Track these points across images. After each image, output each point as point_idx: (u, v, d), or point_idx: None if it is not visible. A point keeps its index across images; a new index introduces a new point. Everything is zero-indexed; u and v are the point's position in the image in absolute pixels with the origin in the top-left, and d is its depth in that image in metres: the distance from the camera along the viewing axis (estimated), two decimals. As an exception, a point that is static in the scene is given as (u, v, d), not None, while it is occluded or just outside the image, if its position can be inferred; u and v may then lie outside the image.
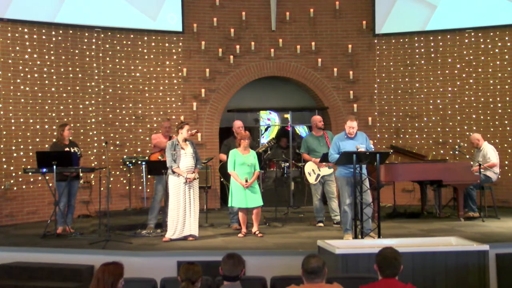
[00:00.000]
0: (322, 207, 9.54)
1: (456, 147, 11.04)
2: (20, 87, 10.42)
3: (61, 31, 10.93)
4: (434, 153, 11.73)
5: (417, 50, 12.27)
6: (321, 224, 9.40)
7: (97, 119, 11.35)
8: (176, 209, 8.14)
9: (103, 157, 10.98)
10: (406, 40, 12.32)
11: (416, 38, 12.28)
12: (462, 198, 9.65)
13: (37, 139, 10.52)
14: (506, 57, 11.63)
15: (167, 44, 11.94)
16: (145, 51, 11.79)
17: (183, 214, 8.14)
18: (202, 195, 10.52)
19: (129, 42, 11.67)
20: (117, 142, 11.52)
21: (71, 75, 11.04)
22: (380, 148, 11.36)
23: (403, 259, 4.42)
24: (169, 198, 8.29)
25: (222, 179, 10.43)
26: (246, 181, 8.46)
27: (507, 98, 11.61)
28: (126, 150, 11.59)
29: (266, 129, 14.56)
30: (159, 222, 9.03)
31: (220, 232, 8.99)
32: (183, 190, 8.16)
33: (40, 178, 9.98)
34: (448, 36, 12.08)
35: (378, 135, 12.29)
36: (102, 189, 9.05)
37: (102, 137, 11.19)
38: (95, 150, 11.28)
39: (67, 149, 9.03)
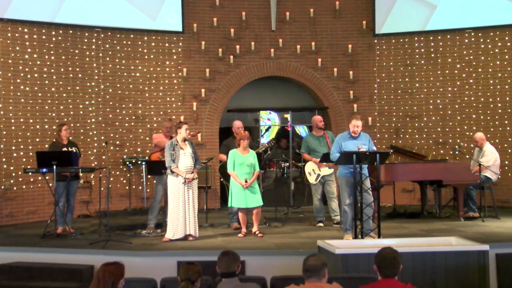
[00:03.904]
0: (322, 207, 9.54)
1: (456, 147, 11.04)
2: (20, 87, 10.42)
3: (61, 31, 10.93)
4: (434, 153, 11.73)
5: (417, 50, 12.27)
6: (321, 224, 9.40)
7: (97, 119, 11.35)
8: (176, 210, 8.13)
9: (103, 157, 10.98)
10: (406, 40, 12.32)
11: (416, 38, 12.28)
12: (462, 198, 9.65)
13: (37, 139, 10.52)
14: (506, 57, 11.63)
15: (167, 44, 11.94)
16: (145, 51, 11.79)
17: (183, 215, 8.13)
18: (202, 195, 10.52)
19: (129, 42, 11.67)
20: (117, 142, 11.52)
21: (71, 75, 11.04)
22: (380, 148, 11.35)
23: (403, 259, 4.43)
24: (168, 198, 8.28)
25: (222, 179, 10.43)
26: (246, 181, 8.46)
27: (507, 98, 11.61)
28: (126, 150, 11.59)
29: (266, 129, 14.56)
30: (159, 222, 9.03)
31: (220, 232, 8.99)
32: (182, 191, 8.15)
33: (40, 178, 9.99)
34: (448, 36, 12.08)
35: (378, 135, 12.29)
36: (102, 189, 9.04)
37: (102, 137, 11.19)
38: (95, 150, 11.28)
39: (65, 149, 9.03)
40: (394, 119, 12.39)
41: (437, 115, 12.14)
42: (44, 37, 10.72)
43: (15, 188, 10.27)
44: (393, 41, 12.38)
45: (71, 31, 11.04)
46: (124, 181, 11.59)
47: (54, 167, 8.49)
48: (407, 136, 12.30)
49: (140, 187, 11.64)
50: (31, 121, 10.53)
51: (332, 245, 6.27)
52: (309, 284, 4.26)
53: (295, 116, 13.25)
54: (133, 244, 7.87)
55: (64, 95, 10.96)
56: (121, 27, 11.54)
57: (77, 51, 11.12)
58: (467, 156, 10.53)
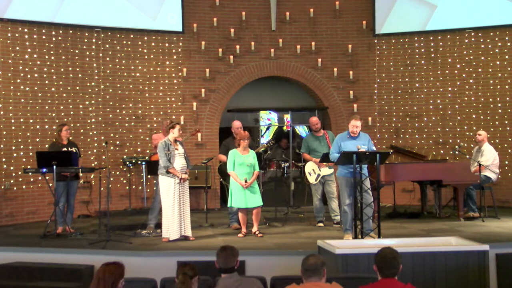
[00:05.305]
0: (322, 207, 9.54)
1: (456, 147, 11.03)
2: (20, 87, 10.42)
3: (61, 31, 10.93)
4: (434, 153, 11.73)
5: (417, 50, 12.27)
6: (321, 224, 9.40)
7: (97, 119, 11.35)
8: (171, 210, 8.11)
9: (103, 157, 10.98)
10: (406, 40, 12.32)
11: (416, 38, 12.28)
12: (462, 198, 9.65)
13: (37, 139, 10.52)
14: (506, 57, 11.63)
15: (167, 44, 11.94)
16: (145, 51, 11.80)
17: (178, 215, 8.11)
18: (202, 195, 10.54)
19: (129, 42, 11.67)
20: (117, 142, 11.52)
21: (71, 75, 11.04)
22: (380, 148, 11.35)
23: (403, 259, 4.42)
24: (161, 198, 8.25)
25: (221, 180, 10.43)
26: (246, 181, 8.46)
27: (507, 98, 11.61)
28: (126, 150, 11.59)
29: (267, 129, 14.56)
30: (159, 222, 8.99)
31: (220, 232, 8.99)
32: (177, 191, 8.15)
33: (40, 178, 9.99)
34: (448, 36, 12.08)
35: (378, 135, 12.29)
36: (102, 189, 9.03)
37: (102, 137, 11.19)
38: (95, 150, 11.28)
39: (65, 149, 9.03)
40: (394, 119, 12.39)
41: (437, 115, 12.13)
42: (44, 37, 10.72)
43: (15, 188, 10.27)
44: (393, 41, 12.38)
45: (71, 31, 11.04)
46: (124, 181, 11.59)
47: (54, 167, 8.49)
48: (407, 136, 12.30)
49: (140, 187, 11.64)
50: (31, 121, 10.53)
51: (332, 245, 6.27)
52: (310, 283, 4.27)
53: (295, 116, 13.25)
54: (133, 244, 7.87)
55: (64, 95, 10.96)
56: (121, 27, 11.54)
57: (77, 51, 11.12)
58: (467, 156, 10.53)
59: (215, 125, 12.18)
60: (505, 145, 11.52)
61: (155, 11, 11.77)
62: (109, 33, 11.47)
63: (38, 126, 10.59)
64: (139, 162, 11.25)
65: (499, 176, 10.32)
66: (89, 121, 11.28)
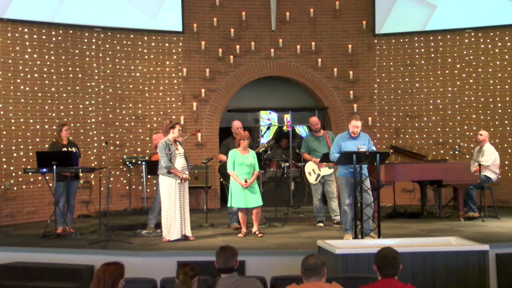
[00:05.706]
0: (322, 207, 9.54)
1: (456, 147, 11.03)
2: (20, 87, 10.42)
3: (61, 31, 10.93)
4: (434, 153, 11.73)
5: (417, 50, 12.27)
6: (321, 224, 9.40)
7: (97, 119, 11.35)
8: (173, 210, 8.11)
9: (103, 157, 10.98)
10: (406, 40, 12.32)
11: (416, 38, 12.28)
12: (462, 198, 9.65)
13: (37, 139, 10.52)
14: (506, 57, 11.63)
15: (167, 44, 11.95)
16: (145, 51, 11.80)
17: (179, 215, 8.12)
18: (202, 195, 10.54)
19: (129, 42, 11.67)
20: (117, 142, 11.53)
21: (71, 75, 11.04)
22: (380, 148, 11.35)
23: (403, 259, 4.43)
24: (162, 198, 8.25)
25: (221, 179, 10.43)
26: (246, 181, 8.46)
27: (507, 98, 11.61)
28: (126, 150, 11.59)
29: (267, 129, 14.56)
30: (159, 222, 9.00)
31: (220, 232, 8.99)
32: (178, 191, 8.15)
33: (40, 178, 9.99)
34: (448, 36, 12.08)
35: (378, 135, 12.29)
36: (102, 189, 9.03)
37: (102, 137, 11.19)
38: (95, 150, 11.28)
39: (65, 149, 9.03)
40: (394, 119, 12.39)
41: (437, 115, 12.13)
42: (44, 37, 10.72)
43: (15, 188, 10.27)
44: (393, 41, 12.38)
45: (71, 31, 11.04)
46: (124, 181, 11.59)
47: (54, 167, 8.49)
48: (407, 136, 12.30)
49: (140, 187, 11.64)
50: (31, 121, 10.53)
51: (332, 245, 6.27)
52: (310, 283, 4.27)
53: (295, 116, 13.26)
54: (133, 244, 7.87)
55: (64, 95, 10.96)
56: (121, 27, 11.54)
57: (77, 51, 11.12)
58: (467, 156, 10.53)
59: (215, 125, 12.18)
60: (505, 145, 11.52)
61: (155, 11, 11.77)
62: (109, 33, 11.47)
63: (38, 126, 10.59)
64: (139, 162, 11.25)
65: (499, 176, 10.33)
66: (89, 121, 11.28)
